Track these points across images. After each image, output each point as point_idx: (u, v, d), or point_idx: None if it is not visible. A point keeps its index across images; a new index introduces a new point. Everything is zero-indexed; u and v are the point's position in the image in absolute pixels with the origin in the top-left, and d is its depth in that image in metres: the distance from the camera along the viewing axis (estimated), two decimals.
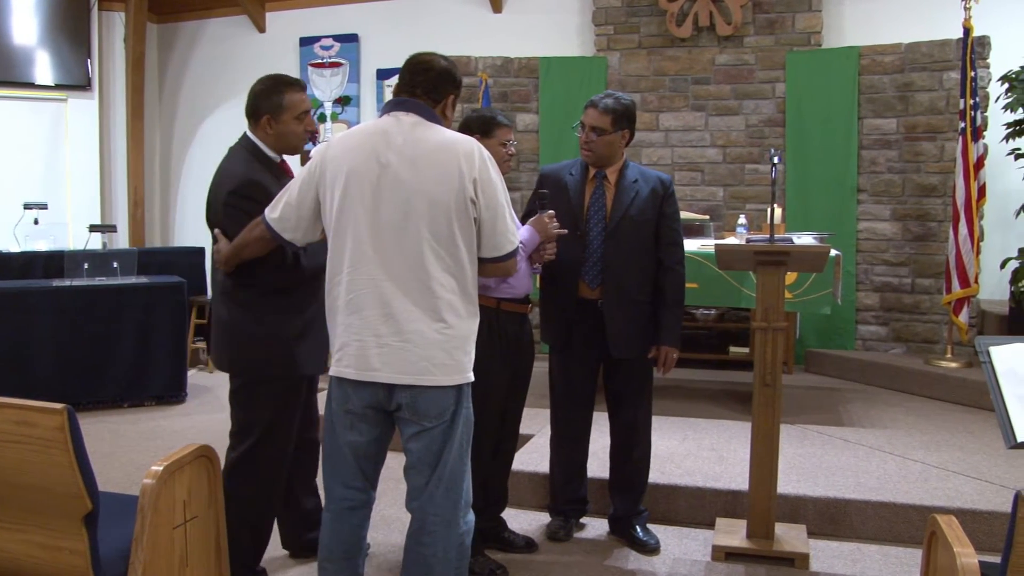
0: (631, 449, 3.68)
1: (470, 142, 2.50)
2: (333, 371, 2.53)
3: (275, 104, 3.06)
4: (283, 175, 3.12)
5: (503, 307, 3.33)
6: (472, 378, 2.54)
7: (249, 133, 3.13)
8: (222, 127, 8.72)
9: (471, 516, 2.61)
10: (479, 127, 3.34)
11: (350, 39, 8.37)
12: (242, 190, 2.95)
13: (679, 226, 3.66)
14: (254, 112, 3.09)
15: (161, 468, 2.31)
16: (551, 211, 3.34)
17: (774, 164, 3.69)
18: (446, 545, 2.52)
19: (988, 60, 6.41)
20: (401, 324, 2.42)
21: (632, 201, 3.54)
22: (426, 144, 2.47)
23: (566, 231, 3.36)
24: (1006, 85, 5.98)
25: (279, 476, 3.15)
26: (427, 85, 2.58)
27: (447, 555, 2.52)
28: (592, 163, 3.59)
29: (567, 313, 3.56)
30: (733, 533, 3.65)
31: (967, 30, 5.85)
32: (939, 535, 2.15)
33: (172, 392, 6.27)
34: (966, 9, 5.83)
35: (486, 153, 2.50)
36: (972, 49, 5.84)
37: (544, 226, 3.30)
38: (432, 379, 2.44)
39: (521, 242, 3.27)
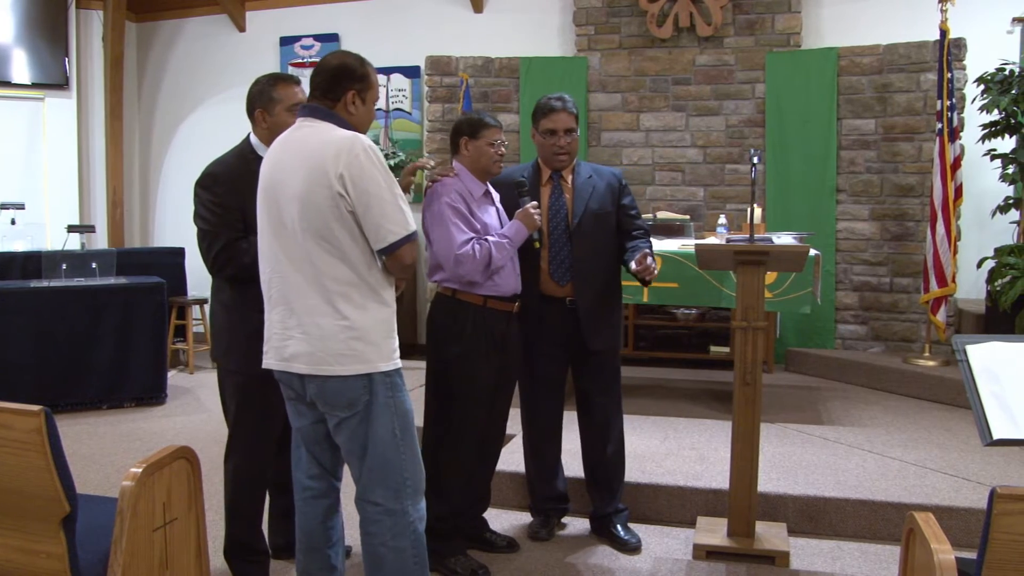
0: (605, 445, 3.71)
1: (346, 139, 2.49)
2: (264, 363, 2.69)
3: (267, 97, 3.13)
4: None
5: (489, 304, 3.35)
6: (389, 367, 2.57)
7: (251, 134, 3.22)
8: (202, 127, 8.68)
9: (422, 504, 2.66)
10: (467, 129, 3.40)
11: (330, 39, 8.33)
12: (201, 181, 3.10)
13: (638, 214, 3.73)
14: (250, 109, 3.17)
15: (140, 470, 2.30)
16: (534, 201, 3.39)
17: (754, 164, 3.72)
18: (395, 534, 2.58)
19: (964, 62, 6.48)
20: (301, 317, 2.54)
21: (591, 196, 3.60)
22: (304, 145, 2.55)
23: (540, 214, 3.39)
24: (982, 87, 6.04)
25: (253, 472, 3.22)
26: (323, 86, 2.61)
27: (398, 544, 2.58)
28: (566, 165, 3.62)
29: (535, 313, 3.57)
30: (714, 532, 3.66)
31: (943, 32, 5.90)
32: (917, 532, 2.17)
33: (152, 393, 6.22)
34: (942, 11, 5.88)
35: (362, 147, 2.48)
36: (948, 51, 5.90)
37: (529, 217, 3.35)
38: (330, 369, 2.52)
39: (508, 237, 3.31)
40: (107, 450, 5.08)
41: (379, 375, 2.55)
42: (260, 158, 3.09)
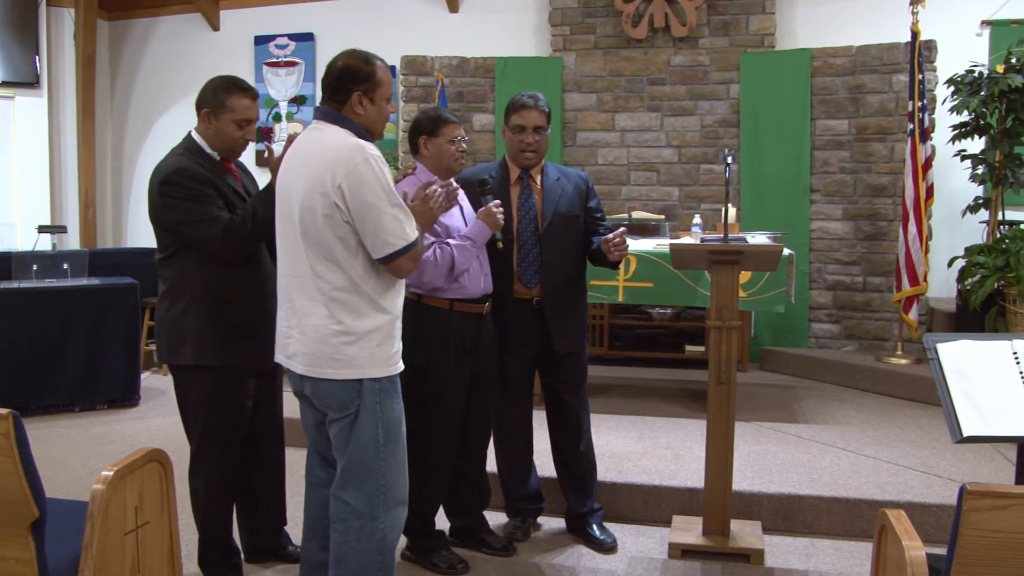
0: (577, 443, 3.72)
1: (349, 147, 2.51)
2: (275, 356, 2.78)
3: (219, 101, 3.08)
4: (224, 172, 3.15)
5: (456, 308, 3.33)
6: (382, 374, 2.59)
7: (193, 132, 3.16)
8: (176, 126, 8.53)
9: (398, 513, 2.67)
10: (425, 127, 3.35)
11: (305, 38, 8.30)
12: (171, 178, 3.02)
13: (603, 216, 3.75)
14: (199, 105, 3.12)
15: (111, 473, 2.28)
16: (497, 200, 3.36)
17: (728, 164, 3.74)
18: (360, 536, 2.61)
19: (935, 63, 6.55)
20: (300, 318, 2.60)
21: (560, 198, 3.60)
22: (312, 149, 2.59)
23: (503, 214, 3.35)
24: (952, 88, 6.10)
25: (227, 473, 3.24)
26: (329, 89, 2.64)
27: (362, 546, 2.61)
28: (533, 164, 3.60)
29: (503, 314, 3.56)
30: (689, 530, 3.68)
31: (915, 34, 5.96)
32: (888, 529, 2.18)
33: (125, 395, 6.15)
34: (913, 13, 5.93)
35: (363, 156, 2.48)
36: (920, 52, 5.95)
37: (492, 216, 3.30)
38: (320, 372, 2.58)
39: (471, 238, 3.28)
40: (79, 453, 5.02)
41: (370, 381, 2.58)
42: (208, 155, 3.12)
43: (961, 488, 1.81)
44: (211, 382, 3.10)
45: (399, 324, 2.67)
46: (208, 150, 3.13)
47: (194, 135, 3.14)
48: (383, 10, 8.06)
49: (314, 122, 2.68)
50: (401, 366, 2.68)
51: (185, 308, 3.09)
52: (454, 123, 3.36)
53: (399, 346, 2.67)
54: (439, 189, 2.88)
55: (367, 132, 2.64)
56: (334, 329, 2.54)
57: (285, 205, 2.65)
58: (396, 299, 2.67)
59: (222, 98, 3.07)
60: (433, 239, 3.22)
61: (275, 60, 8.43)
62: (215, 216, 2.99)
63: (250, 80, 7.78)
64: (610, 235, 3.42)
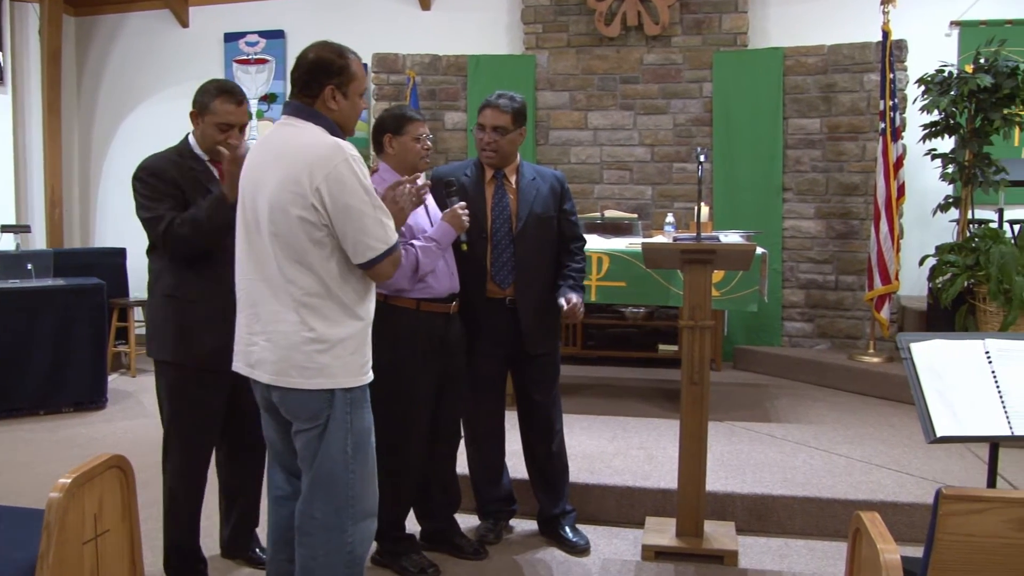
0: (549, 444, 3.69)
1: (328, 147, 2.41)
2: (233, 365, 2.62)
3: (204, 103, 3.10)
4: (208, 174, 3.12)
5: (423, 308, 3.28)
6: (354, 383, 2.50)
7: (190, 133, 3.20)
8: (145, 124, 8.46)
9: (366, 526, 2.58)
10: (391, 125, 3.30)
11: (276, 35, 8.20)
12: (138, 173, 3.08)
13: (578, 220, 3.73)
14: (192, 105, 3.14)
15: (69, 480, 2.20)
16: (463, 202, 3.32)
17: (701, 162, 3.71)
18: (327, 551, 2.51)
19: (906, 63, 6.59)
20: (266, 324, 2.48)
21: (535, 199, 3.56)
22: (284, 147, 2.47)
23: (468, 216, 3.31)
24: (922, 87, 6.13)
25: (186, 473, 3.19)
26: (300, 82, 2.53)
27: (330, 560, 2.52)
28: (494, 164, 3.56)
29: (476, 314, 3.52)
30: (663, 532, 3.66)
31: (886, 33, 5.98)
32: (863, 532, 2.17)
33: (92, 398, 6.05)
34: (884, 13, 5.95)
35: (343, 157, 2.39)
36: (891, 52, 5.97)
37: (457, 218, 3.25)
38: (290, 381, 2.46)
39: (435, 239, 3.23)
40: (43, 457, 4.93)
41: (341, 391, 2.48)
42: (196, 157, 3.13)
43: (937, 492, 1.79)
44: (172, 379, 3.12)
45: (370, 330, 2.59)
46: (197, 151, 3.14)
47: (189, 136, 3.17)
48: (355, 7, 7.99)
49: (283, 117, 2.54)
50: (371, 375, 2.59)
51: (156, 303, 3.16)
52: (419, 121, 3.31)
53: (371, 353, 2.58)
54: (408, 187, 2.83)
55: (339, 129, 2.53)
56: (306, 336, 2.42)
57: (251, 203, 2.50)
58: (370, 304, 2.58)
59: (207, 100, 3.07)
60: (399, 239, 3.18)
61: (245, 57, 8.33)
62: (162, 215, 3.01)
63: (219, 78, 7.74)
64: (566, 306, 3.45)
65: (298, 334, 2.43)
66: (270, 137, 2.56)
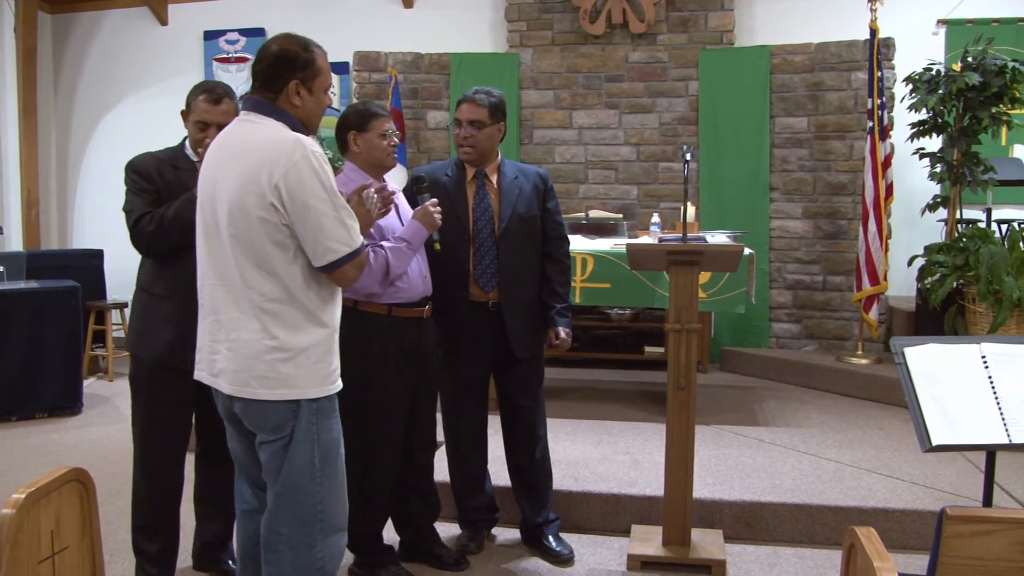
0: (532, 450, 3.59)
1: (287, 142, 2.29)
2: (196, 373, 2.51)
3: (188, 102, 3.10)
4: (191, 174, 3.03)
5: (395, 313, 3.16)
6: (320, 393, 2.38)
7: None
8: (123, 123, 8.32)
9: (336, 540, 2.47)
10: (355, 122, 3.18)
11: (256, 33, 8.08)
12: (125, 169, 3.14)
13: (562, 219, 3.64)
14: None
15: (23, 496, 2.08)
16: (434, 199, 3.20)
17: (687, 161, 3.61)
18: (295, 567, 2.40)
19: (893, 61, 6.53)
20: (228, 331, 2.36)
21: (518, 198, 3.47)
22: (243, 144, 2.35)
23: (440, 213, 3.20)
24: (910, 86, 6.06)
25: (146, 475, 3.15)
26: (262, 76, 2.40)
27: None
28: (472, 161, 3.46)
29: (459, 317, 3.42)
30: (649, 541, 3.56)
31: (873, 31, 5.92)
32: (858, 547, 2.07)
33: (66, 403, 5.92)
34: (872, 10, 5.89)
35: (304, 153, 2.27)
36: (878, 50, 5.91)
37: (429, 216, 3.14)
38: (252, 392, 2.34)
39: (406, 239, 3.12)
40: (14, 465, 4.79)
41: (307, 402, 2.36)
42: (186, 157, 3.14)
43: (941, 512, 1.68)
44: (132, 370, 3.14)
45: (337, 337, 2.47)
46: (188, 151, 3.14)
47: (187, 141, 3.19)
48: (336, 4, 7.88)
49: (243, 113, 2.42)
50: (340, 384, 2.47)
51: (134, 296, 3.21)
52: (384, 116, 3.19)
53: (338, 361, 2.46)
54: (374, 194, 2.72)
55: (303, 126, 2.41)
56: (268, 345, 2.30)
57: (209, 204, 2.39)
58: (335, 310, 2.46)
59: (191, 99, 3.08)
60: (366, 241, 3.06)
61: (225, 56, 8.21)
62: (134, 210, 3.04)
63: (199, 76, 7.61)
64: (555, 340, 3.46)
65: (260, 342, 2.31)
66: (228, 134, 2.44)
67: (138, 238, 3.03)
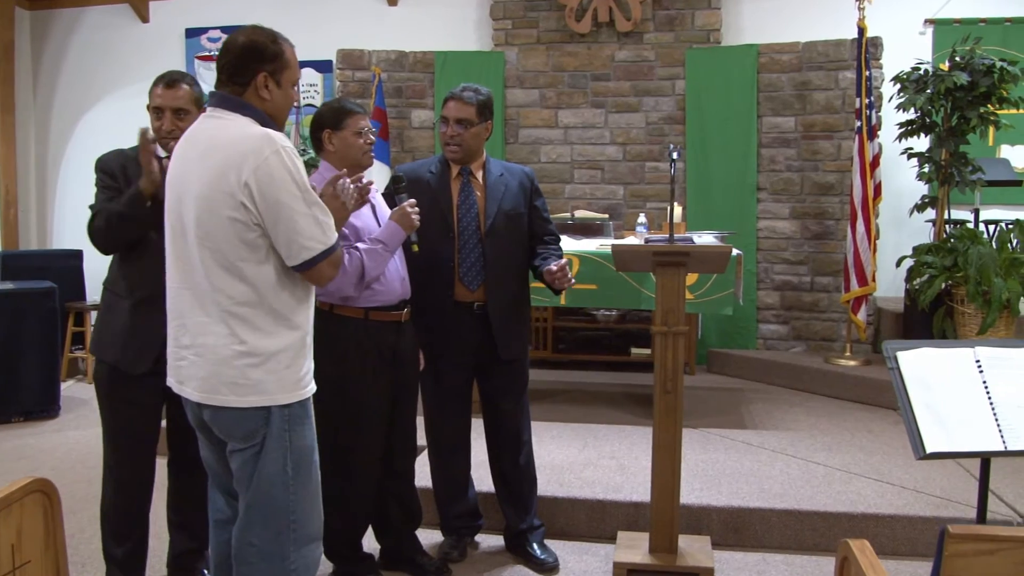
0: (517, 455, 3.52)
1: (256, 138, 2.21)
2: (167, 380, 2.44)
3: (150, 92, 2.98)
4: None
5: (372, 317, 3.08)
6: (291, 399, 2.31)
7: None
8: (104, 122, 8.18)
9: (310, 551, 2.39)
10: (329, 120, 3.10)
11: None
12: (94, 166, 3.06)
13: (550, 216, 3.59)
14: None
15: None
16: (411, 199, 3.12)
17: (673, 160, 3.53)
18: None
19: (881, 61, 6.49)
20: (194, 336, 2.28)
21: (504, 196, 3.40)
22: (210, 141, 2.27)
23: (420, 214, 3.12)
24: (898, 86, 6.02)
25: (110, 483, 3.08)
26: (229, 69, 2.31)
27: None
28: (458, 160, 3.39)
29: (442, 319, 3.34)
30: (635, 548, 3.48)
31: (861, 30, 5.87)
32: (852, 560, 2.00)
33: (43, 407, 5.82)
34: (860, 9, 5.84)
35: (273, 148, 2.19)
36: (866, 49, 5.86)
37: (406, 216, 3.05)
38: (221, 399, 2.26)
39: (382, 241, 3.03)
40: None
41: (278, 408, 2.28)
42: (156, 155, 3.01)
43: (942, 531, 1.60)
44: (99, 373, 3.05)
45: (310, 340, 2.38)
46: (159, 147, 3.04)
47: None
48: (320, 2, 7.78)
49: (209, 109, 2.33)
50: (313, 387, 2.39)
51: (101, 295, 3.15)
52: (359, 114, 3.12)
53: (310, 365, 2.38)
54: (349, 185, 2.63)
55: (272, 120, 2.33)
56: (236, 350, 2.23)
57: (176, 205, 2.31)
58: (308, 312, 2.38)
59: (152, 88, 2.97)
60: (341, 242, 2.98)
61: (207, 54, 8.10)
62: (93, 205, 2.99)
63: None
64: (553, 267, 3.27)
65: (228, 347, 2.23)
66: (194, 131, 2.35)
67: (92, 236, 2.96)
